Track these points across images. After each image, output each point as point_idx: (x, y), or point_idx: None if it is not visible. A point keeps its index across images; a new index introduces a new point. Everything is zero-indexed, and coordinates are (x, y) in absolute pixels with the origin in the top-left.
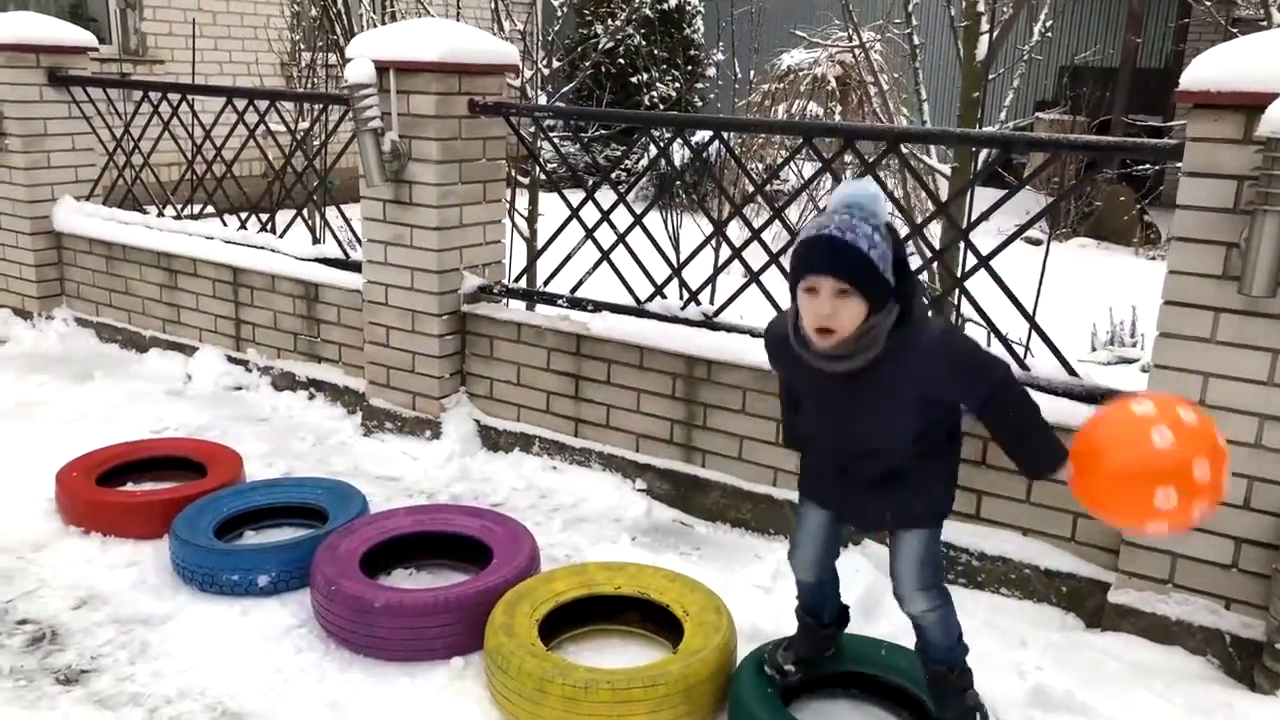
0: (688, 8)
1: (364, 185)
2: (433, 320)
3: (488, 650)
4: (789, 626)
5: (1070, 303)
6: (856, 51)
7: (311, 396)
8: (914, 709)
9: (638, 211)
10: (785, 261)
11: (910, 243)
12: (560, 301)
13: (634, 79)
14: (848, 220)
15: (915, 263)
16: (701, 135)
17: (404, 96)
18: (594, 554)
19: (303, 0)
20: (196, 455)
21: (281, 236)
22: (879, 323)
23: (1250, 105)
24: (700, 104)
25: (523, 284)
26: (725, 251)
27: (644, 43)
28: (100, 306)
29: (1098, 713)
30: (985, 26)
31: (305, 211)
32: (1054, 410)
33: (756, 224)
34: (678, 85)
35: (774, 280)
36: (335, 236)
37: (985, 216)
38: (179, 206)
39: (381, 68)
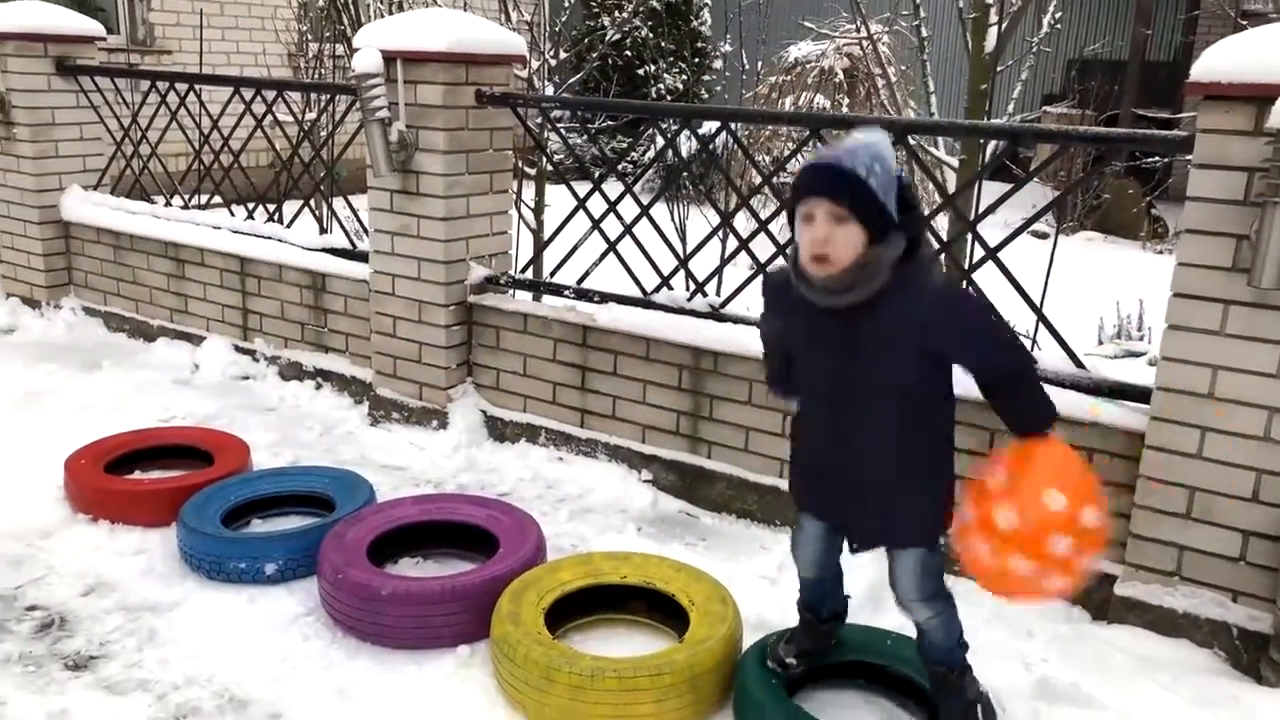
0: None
1: (371, 175)
2: (439, 311)
3: (494, 639)
4: (794, 617)
5: (1077, 296)
6: (864, 43)
7: (318, 386)
8: (919, 699)
9: (644, 203)
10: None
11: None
12: (567, 292)
13: (641, 71)
14: (849, 150)
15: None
16: (709, 126)
17: (411, 86)
18: (600, 544)
19: None
20: (204, 444)
21: (289, 226)
22: (881, 254)
23: (1261, 97)
24: (707, 96)
25: (529, 275)
26: (732, 243)
27: (651, 35)
28: (108, 296)
29: (1103, 704)
30: (994, 18)
31: (312, 202)
32: (1062, 403)
33: (763, 215)
34: (684, 77)
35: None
36: (342, 226)
37: (993, 209)
38: (186, 196)
39: (389, 58)
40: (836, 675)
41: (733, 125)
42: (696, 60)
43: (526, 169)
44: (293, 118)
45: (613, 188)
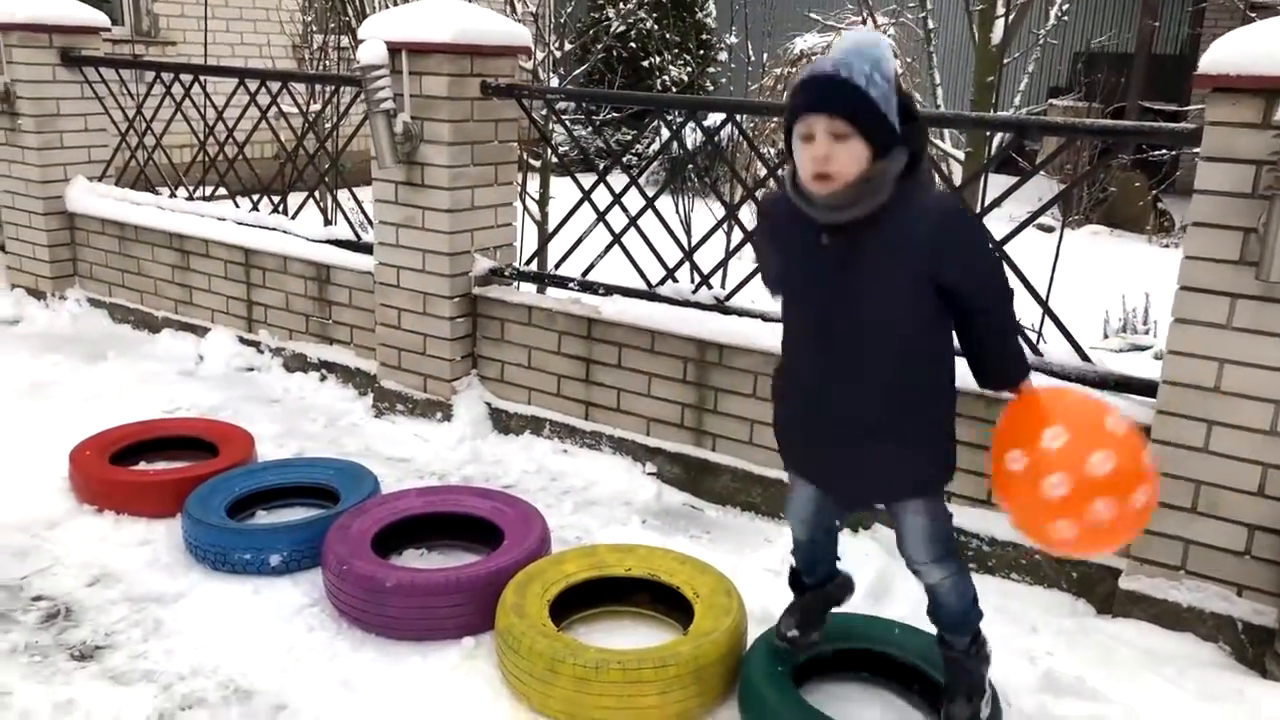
0: None
1: (376, 167)
2: (444, 303)
3: (499, 630)
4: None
5: (1083, 290)
6: None
7: (323, 378)
8: (926, 691)
9: (649, 195)
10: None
11: None
12: (571, 285)
13: (645, 63)
14: (844, 60)
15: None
16: (714, 119)
17: (416, 78)
18: (604, 536)
19: None
20: (209, 435)
21: (293, 218)
22: (885, 168)
23: (1270, 89)
24: (712, 88)
25: (534, 267)
26: (737, 235)
27: (655, 26)
28: (113, 287)
29: (1108, 698)
30: (1001, 10)
31: (317, 193)
32: None
33: None
34: (689, 69)
35: None
36: (347, 218)
37: (999, 201)
38: (191, 188)
39: (394, 49)
40: (843, 666)
41: (738, 117)
42: (701, 52)
43: (531, 161)
44: (297, 109)
45: (617, 180)
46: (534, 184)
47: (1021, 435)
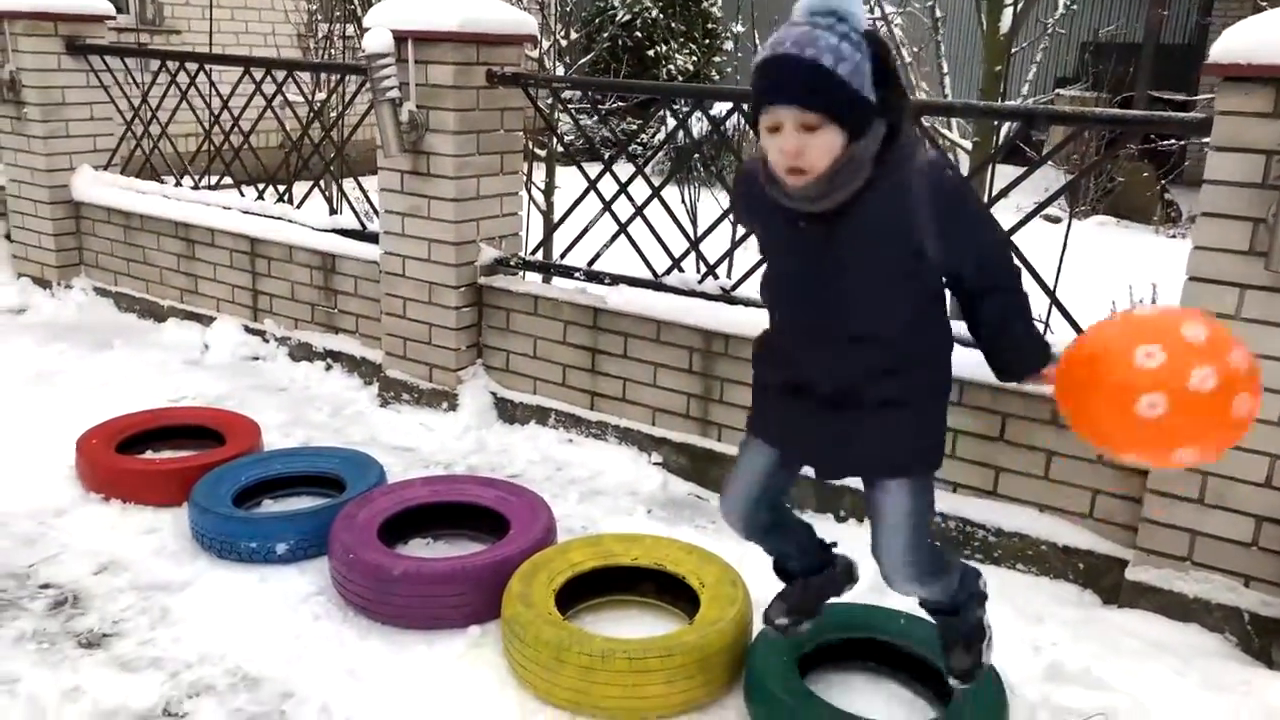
0: None
1: (381, 156)
2: (450, 292)
3: (505, 619)
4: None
5: (1089, 280)
6: (877, 23)
7: (329, 367)
8: (933, 682)
9: (655, 185)
10: None
11: None
12: (577, 274)
13: (651, 52)
14: (807, 32)
15: None
16: (720, 108)
17: (422, 66)
18: (610, 526)
19: None
20: (215, 424)
21: (299, 207)
22: (861, 150)
23: None
24: (718, 78)
25: (539, 257)
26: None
27: (661, 15)
28: (118, 276)
29: (1114, 688)
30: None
31: (322, 182)
32: None
33: None
34: (695, 59)
35: None
36: (352, 207)
37: (1006, 192)
38: (196, 177)
39: (400, 37)
40: (848, 656)
41: (745, 106)
42: (707, 41)
43: (537, 150)
44: (303, 98)
45: (623, 170)
46: (539, 174)
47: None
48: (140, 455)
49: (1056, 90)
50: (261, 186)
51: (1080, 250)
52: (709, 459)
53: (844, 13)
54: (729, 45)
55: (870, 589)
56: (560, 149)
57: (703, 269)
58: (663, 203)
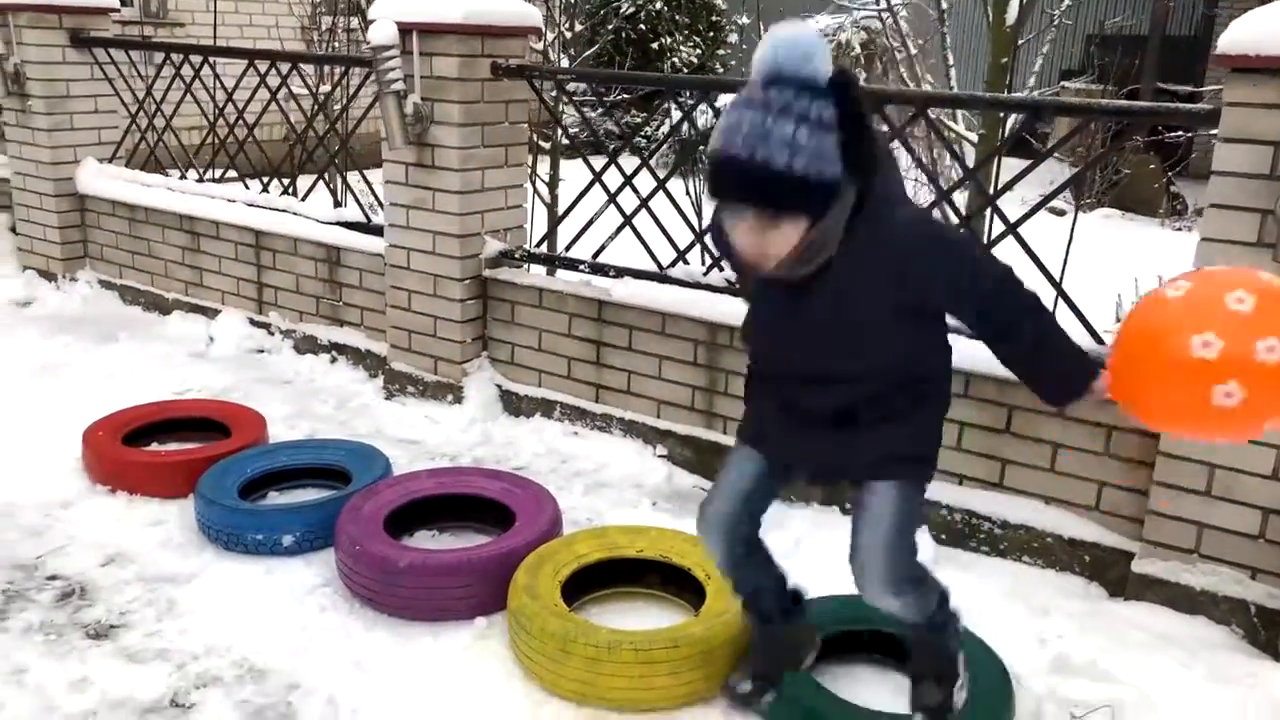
0: None
1: (386, 148)
2: (454, 285)
3: (511, 611)
4: (811, 590)
5: (1095, 273)
6: (882, 16)
7: (334, 360)
8: None
9: (660, 177)
10: None
11: (936, 211)
12: (582, 267)
13: (655, 45)
14: (759, 122)
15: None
16: (726, 100)
17: (426, 58)
18: (615, 518)
19: None
20: (220, 416)
21: (303, 200)
22: (828, 226)
23: None
24: (722, 70)
25: (544, 249)
26: None
27: (665, 8)
28: (123, 269)
29: (1120, 681)
30: None
31: (326, 175)
32: None
33: None
34: (699, 51)
35: None
36: (357, 200)
37: (1013, 183)
38: (201, 170)
39: (404, 29)
40: (854, 648)
41: None
42: (711, 34)
43: (541, 143)
44: (307, 90)
45: (628, 163)
46: (544, 166)
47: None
48: (146, 447)
49: (1062, 83)
50: (266, 180)
51: (1086, 243)
52: (714, 451)
53: (804, 78)
54: (733, 38)
55: None
56: (565, 141)
57: (708, 261)
58: (668, 194)
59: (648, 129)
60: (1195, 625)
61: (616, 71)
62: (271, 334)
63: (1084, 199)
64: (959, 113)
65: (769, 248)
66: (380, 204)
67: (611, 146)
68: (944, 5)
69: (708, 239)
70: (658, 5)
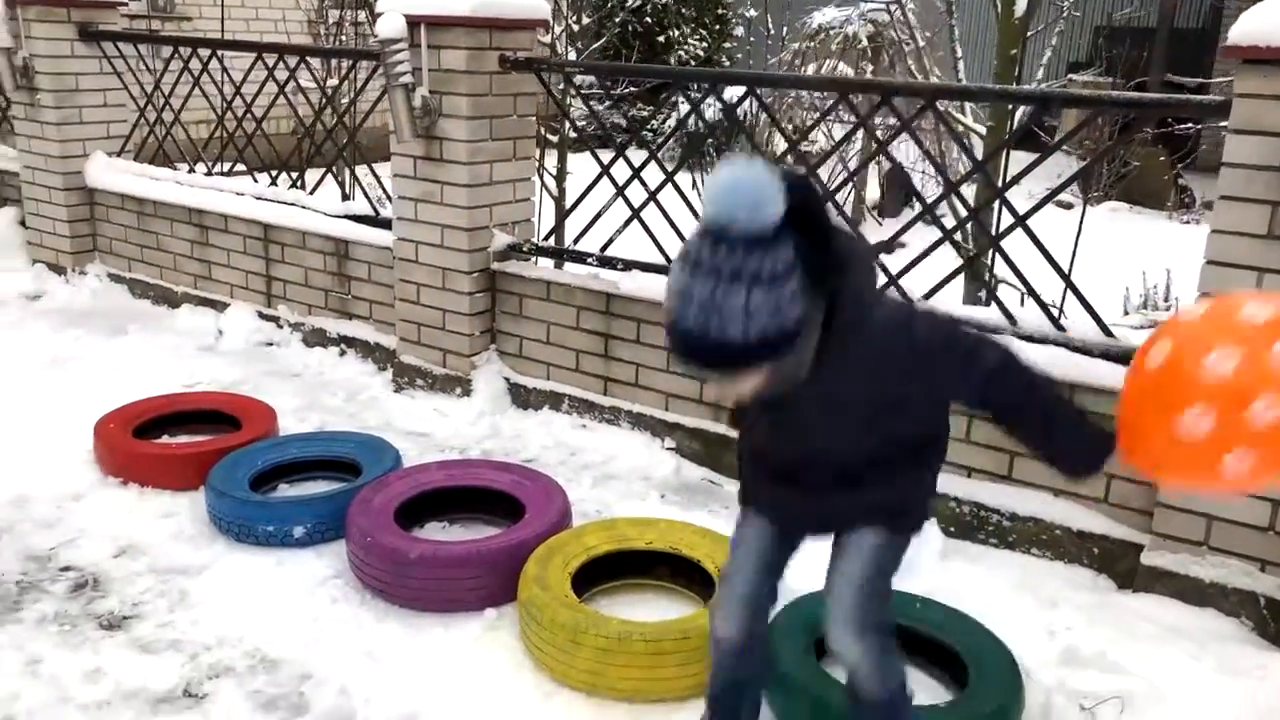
0: None
1: (394, 141)
2: (463, 278)
3: (522, 602)
4: (817, 582)
5: (1102, 266)
6: (890, 9)
7: (342, 353)
8: (948, 665)
9: (667, 170)
10: None
11: (944, 203)
12: (590, 260)
13: (661, 38)
14: (709, 293)
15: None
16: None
17: (435, 51)
18: (623, 511)
19: None
20: (231, 409)
21: (312, 193)
22: (797, 358)
23: None
24: (728, 63)
25: (551, 243)
26: None
27: (671, 1)
28: (132, 262)
29: (1129, 672)
30: None
31: (334, 168)
32: (1091, 373)
33: None
34: (706, 44)
35: None
36: (365, 193)
37: (1021, 176)
38: (209, 164)
39: (413, 22)
40: None
41: (759, 91)
42: (718, 27)
43: (549, 136)
44: (315, 84)
45: (635, 156)
46: (551, 160)
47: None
48: (157, 440)
49: (1069, 75)
50: (274, 173)
51: (1093, 236)
52: (723, 444)
53: (753, 234)
54: (739, 31)
55: None
56: (573, 134)
57: None
58: (676, 187)
59: (654, 122)
60: (1204, 617)
61: (624, 64)
62: (280, 327)
63: (1092, 192)
64: (967, 105)
65: (735, 392)
66: (388, 197)
67: (619, 140)
68: None
69: None
70: None
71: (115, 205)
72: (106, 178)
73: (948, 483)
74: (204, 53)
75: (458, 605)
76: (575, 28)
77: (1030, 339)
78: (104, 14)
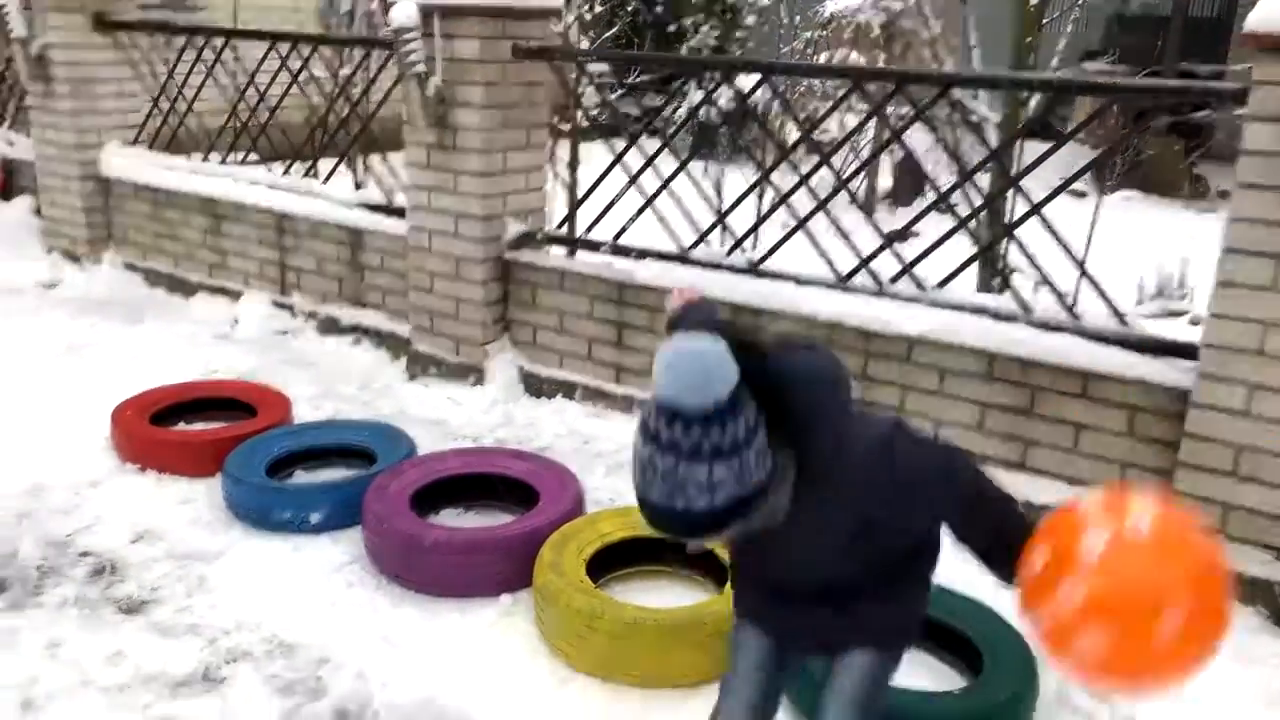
0: None
1: (408, 130)
2: (476, 267)
3: (537, 587)
4: None
5: (1116, 256)
6: None
7: (356, 341)
8: (962, 651)
9: (681, 158)
10: (831, 208)
11: (959, 191)
12: (603, 249)
13: (672, 28)
14: (671, 469)
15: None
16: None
17: (448, 40)
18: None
19: None
20: (246, 397)
21: (325, 183)
22: (774, 502)
23: None
24: (739, 53)
25: (564, 232)
26: (769, 199)
27: None
28: (147, 251)
29: None
30: None
31: (347, 157)
32: (1105, 361)
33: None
34: (717, 33)
35: (820, 227)
36: (378, 182)
37: (1036, 165)
38: (223, 153)
39: (426, 11)
40: None
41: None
42: (729, 16)
43: (561, 125)
44: (328, 73)
45: (647, 146)
46: (564, 149)
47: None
48: (174, 427)
49: (1082, 64)
50: (287, 162)
51: (1107, 225)
52: None
53: (706, 411)
54: (750, 20)
55: None
56: (585, 123)
57: (729, 242)
58: (689, 176)
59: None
60: None
61: (638, 52)
62: (295, 316)
63: (1106, 181)
64: (981, 93)
65: (713, 544)
66: (402, 186)
67: (630, 130)
68: None
69: (728, 222)
70: None
71: (129, 194)
72: (121, 167)
73: None
74: (217, 42)
75: (473, 591)
76: (587, 16)
77: (1045, 326)
78: (118, 4)
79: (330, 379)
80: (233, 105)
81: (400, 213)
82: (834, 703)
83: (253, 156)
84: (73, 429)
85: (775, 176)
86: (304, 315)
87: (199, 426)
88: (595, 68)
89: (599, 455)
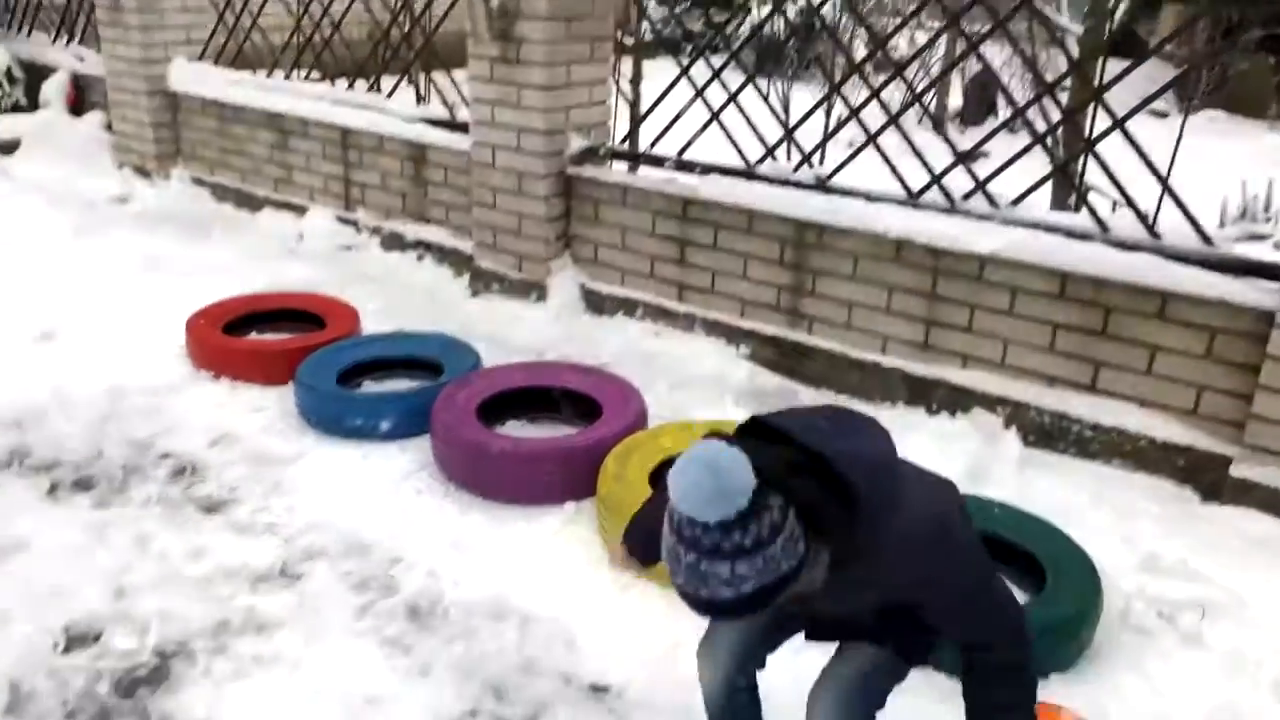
0: None
1: (471, 44)
2: (539, 182)
3: (601, 497)
4: None
5: (1199, 177)
6: None
7: (420, 257)
8: (1026, 566)
9: (749, 70)
10: (903, 122)
11: (1038, 105)
12: (667, 164)
13: None
14: (695, 563)
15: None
16: None
17: None
18: (698, 415)
19: None
20: (315, 309)
21: (389, 98)
22: (808, 580)
23: None
24: None
25: (626, 147)
26: (837, 114)
27: None
28: (214, 166)
29: (1211, 580)
30: None
31: (410, 73)
32: (1185, 280)
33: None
34: None
35: (891, 142)
36: (441, 97)
37: (1120, 78)
38: (287, 70)
39: None
40: None
41: None
42: None
43: (625, 40)
44: None
45: (713, 62)
46: (625, 66)
47: None
48: (245, 337)
49: None
50: (351, 79)
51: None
52: (799, 353)
53: (723, 521)
54: None
55: (964, 480)
56: (649, 37)
57: (797, 158)
58: (757, 89)
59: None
60: None
61: None
62: (359, 231)
63: (1190, 99)
64: (1064, 2)
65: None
66: (464, 101)
67: (697, 42)
68: None
69: (795, 137)
70: None
71: (197, 110)
72: (188, 82)
73: (1027, 391)
74: None
75: (539, 499)
76: None
77: (1121, 245)
78: None
79: (395, 293)
80: (297, 20)
81: (463, 128)
82: (830, 680)
83: (315, 74)
84: (149, 337)
85: (844, 93)
86: (368, 230)
87: (270, 336)
88: None
89: (661, 372)
